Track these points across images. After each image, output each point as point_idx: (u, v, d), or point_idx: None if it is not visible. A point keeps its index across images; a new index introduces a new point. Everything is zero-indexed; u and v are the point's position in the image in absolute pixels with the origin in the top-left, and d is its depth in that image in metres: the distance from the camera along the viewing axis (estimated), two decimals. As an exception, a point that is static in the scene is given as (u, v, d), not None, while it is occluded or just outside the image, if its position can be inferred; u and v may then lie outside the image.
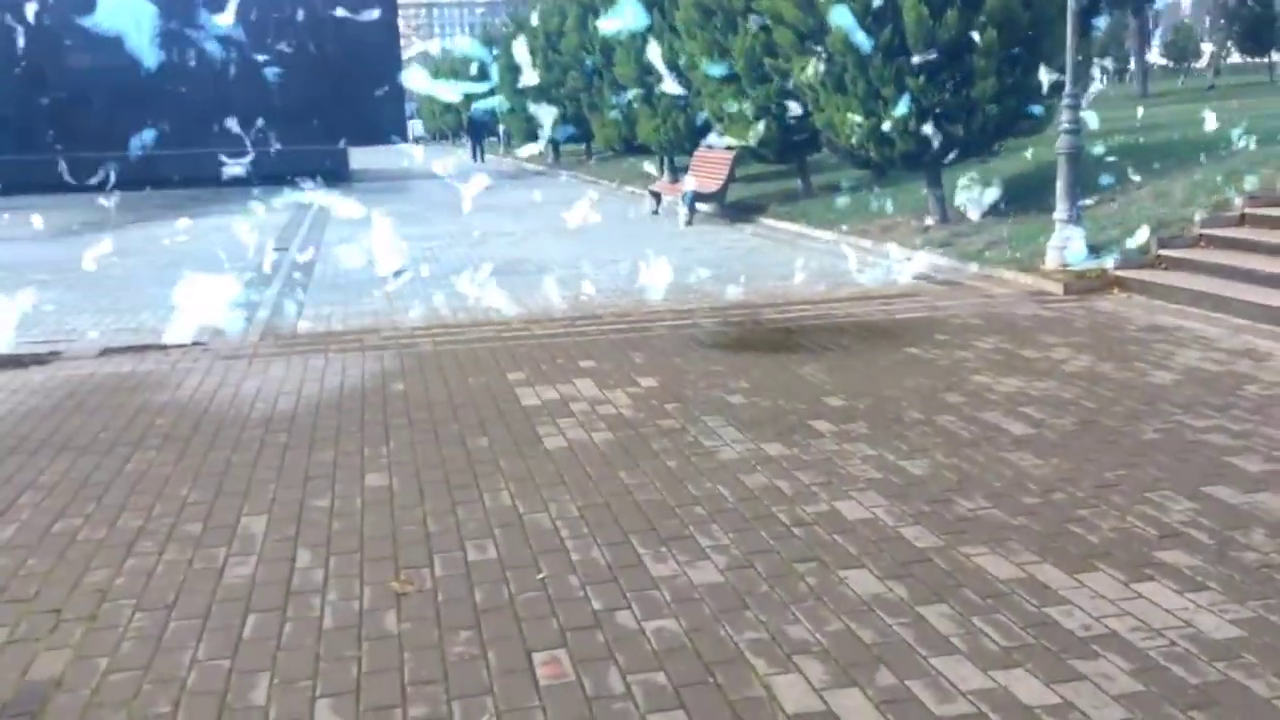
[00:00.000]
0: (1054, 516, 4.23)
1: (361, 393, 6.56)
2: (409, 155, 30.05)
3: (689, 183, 16.73)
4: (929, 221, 11.95)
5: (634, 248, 13.10)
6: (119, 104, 28.59)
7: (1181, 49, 45.47)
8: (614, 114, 23.36)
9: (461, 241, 14.28)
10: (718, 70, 14.84)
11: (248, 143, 28.38)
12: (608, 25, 15.70)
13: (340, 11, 29.74)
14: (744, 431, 5.47)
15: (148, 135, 27.62)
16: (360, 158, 33.07)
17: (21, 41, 28.29)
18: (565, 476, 4.88)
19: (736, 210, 16.59)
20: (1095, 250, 9.50)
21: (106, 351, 7.97)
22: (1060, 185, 9.52)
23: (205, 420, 6.05)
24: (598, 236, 14.37)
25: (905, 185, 14.11)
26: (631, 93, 20.50)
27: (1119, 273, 9.13)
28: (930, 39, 10.68)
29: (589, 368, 7.00)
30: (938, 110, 10.96)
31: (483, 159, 40.55)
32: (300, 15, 30.16)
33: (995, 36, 10.61)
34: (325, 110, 29.54)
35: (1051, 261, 9.54)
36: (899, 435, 5.32)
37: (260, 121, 29.66)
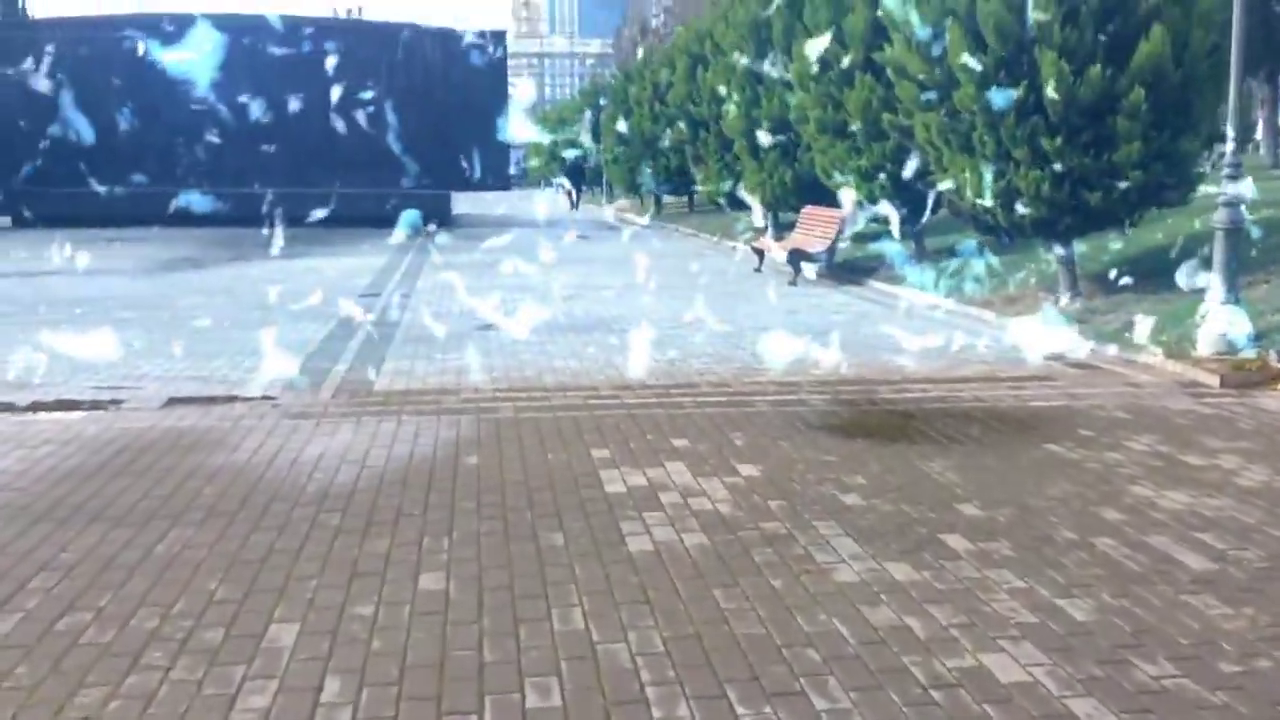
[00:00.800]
0: (1263, 693, 3.34)
1: (431, 465, 5.91)
2: (508, 201, 29.89)
3: (794, 240, 15.98)
4: (1064, 299, 10.99)
5: (734, 308, 12.37)
6: (236, 141, 29.01)
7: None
8: (717, 166, 22.77)
9: (554, 296, 13.71)
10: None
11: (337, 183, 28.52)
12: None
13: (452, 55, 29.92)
14: (863, 544, 4.66)
15: (262, 173, 27.98)
16: (462, 203, 33.02)
17: (132, 75, 28.95)
18: (650, 592, 4.13)
19: (844, 271, 15.77)
20: (1255, 338, 8.49)
21: (171, 401, 7.49)
22: (1217, 262, 8.55)
23: (256, 491, 5.45)
24: (696, 294, 13.66)
25: (1029, 253, 13.15)
26: (737, 145, 19.90)
27: (1284, 364, 8.10)
28: (1070, 97, 9.81)
29: (683, 448, 6.25)
30: (1075, 175, 10.05)
31: (578, 206, 40.91)
32: (412, 60, 30.33)
33: (1143, 96, 9.70)
34: (431, 154, 29.55)
35: (1204, 348, 8.54)
36: (1052, 562, 4.45)
37: (368, 164, 29.89)
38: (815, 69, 15.21)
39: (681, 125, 24.97)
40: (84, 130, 27.70)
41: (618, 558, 4.52)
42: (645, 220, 32.94)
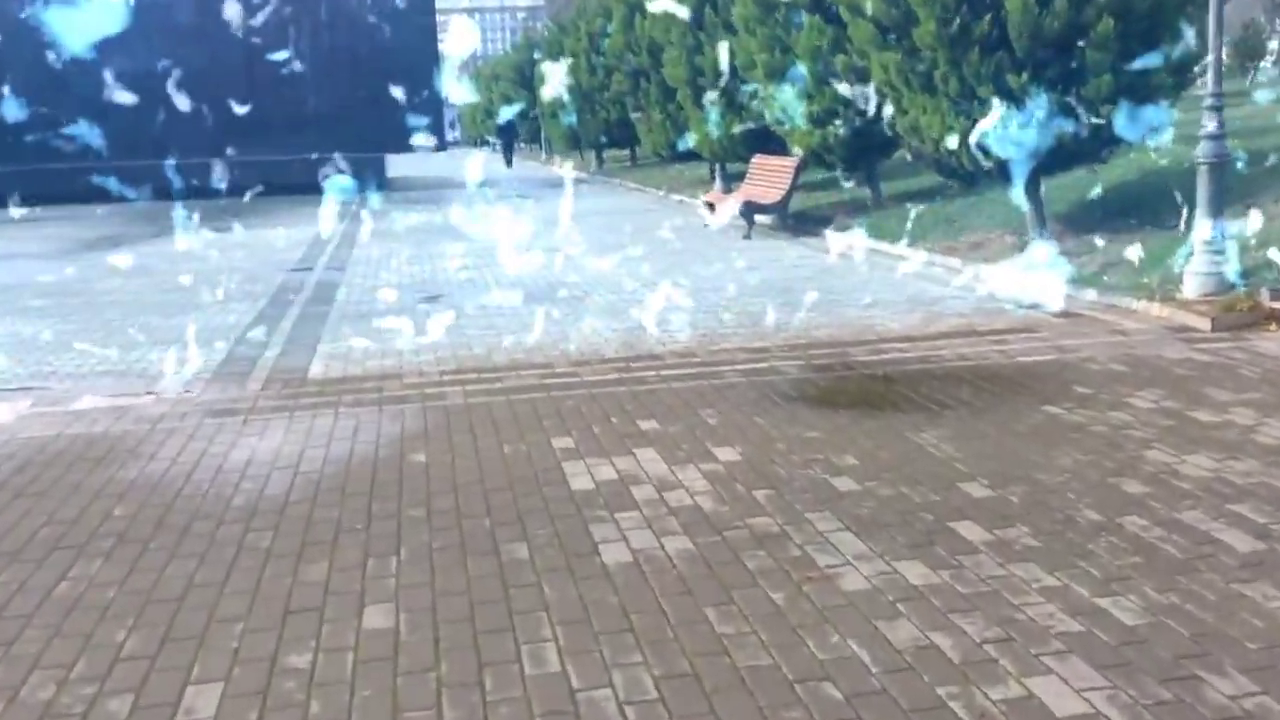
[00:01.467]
0: (1358, 709, 2.87)
1: (373, 467, 5.28)
2: (442, 162, 28.97)
3: (746, 192, 15.40)
4: (1033, 243, 10.53)
5: (689, 267, 11.79)
6: (154, 111, 27.73)
7: (1251, 47, 43.40)
8: (660, 118, 22.06)
9: (496, 259, 13.03)
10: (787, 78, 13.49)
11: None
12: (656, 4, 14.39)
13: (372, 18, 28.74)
14: (866, 539, 4.13)
15: (177, 142, 26.77)
16: (396, 165, 31.98)
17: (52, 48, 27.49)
18: (633, 617, 3.57)
19: (799, 223, 15.24)
20: (1243, 276, 8.08)
21: (78, 405, 6.77)
22: (1202, 198, 8.11)
23: (175, 510, 4.80)
24: (647, 253, 13.06)
25: (991, 195, 12.67)
26: (679, 95, 19.20)
27: (1275, 304, 7.69)
28: (1036, 30, 9.28)
29: (652, 431, 5.69)
30: (1043, 112, 9.54)
31: (511, 164, 40.36)
32: (336, 16, 29.13)
33: (1112, 26, 9.19)
34: (361, 116, 28.49)
35: (1191, 289, 8.12)
36: (1081, 551, 3.95)
37: (294, 127, 28.78)
38: (758, 11, 14.55)
39: (621, 76, 24.18)
40: (-6, 106, 26.32)
41: (591, 572, 3.95)
42: (585, 175, 32.17)
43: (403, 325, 8.86)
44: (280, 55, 28.12)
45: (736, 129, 17.51)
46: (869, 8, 10.30)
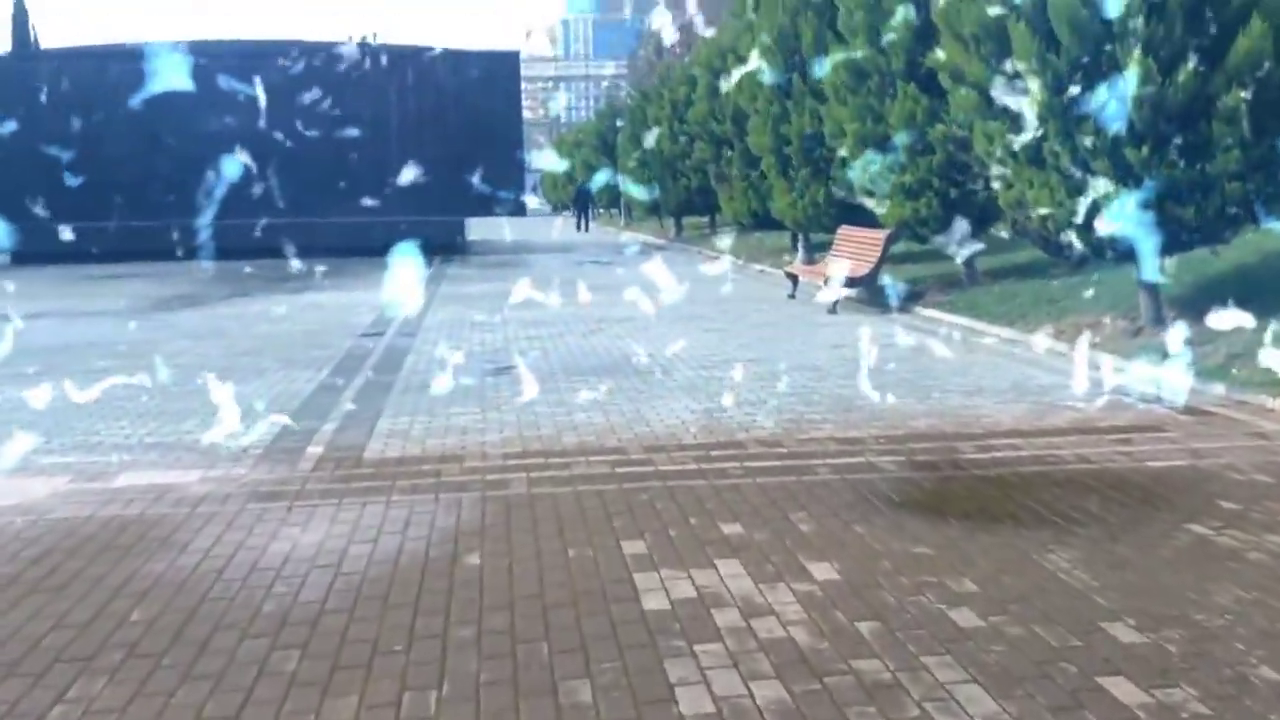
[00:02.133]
0: None
1: (422, 569, 4.71)
2: (523, 226, 28.85)
3: (835, 265, 14.77)
4: (1147, 330, 9.74)
5: (772, 343, 11.17)
6: (245, 173, 28.07)
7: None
8: (742, 185, 21.61)
9: (574, 329, 12.54)
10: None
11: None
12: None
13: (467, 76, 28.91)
14: (999, 697, 3.43)
15: (265, 204, 27.02)
16: (478, 229, 31.97)
17: (138, 104, 28.08)
18: (717, 795, 2.91)
19: (887, 297, 14.52)
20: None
21: (117, 483, 6.33)
22: (1352, 288, 7.28)
23: (197, 616, 4.26)
24: (728, 326, 12.49)
25: (1097, 275, 11.88)
26: (767, 163, 18.71)
27: None
28: (1158, 102, 8.59)
29: (735, 537, 5.04)
30: (1164, 190, 8.82)
31: (587, 229, 40.76)
32: (424, 83, 29.35)
33: (1241, 97, 8.46)
34: (444, 180, 28.54)
35: (1340, 387, 7.28)
36: (1271, 729, 3.21)
37: (378, 191, 28.89)
38: (849, 78, 14.04)
39: (703, 143, 23.83)
40: (89, 164, 26.89)
41: (666, 725, 3.30)
42: (664, 241, 31.83)
43: (468, 399, 8.36)
44: (375, 119, 28.34)
45: (821, 198, 16.96)
46: (971, 73, 9.69)
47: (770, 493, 5.76)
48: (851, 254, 14.66)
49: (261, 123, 28.21)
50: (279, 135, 28.04)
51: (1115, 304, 11.12)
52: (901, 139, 13.25)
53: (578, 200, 44.73)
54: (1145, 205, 8.84)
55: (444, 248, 28.01)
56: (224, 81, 28.74)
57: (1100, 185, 8.97)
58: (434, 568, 4.74)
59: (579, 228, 42.23)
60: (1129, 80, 8.55)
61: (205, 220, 27.73)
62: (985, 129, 9.84)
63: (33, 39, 43.56)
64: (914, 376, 8.97)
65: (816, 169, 16.96)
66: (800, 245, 19.61)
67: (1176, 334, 9.43)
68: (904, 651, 3.78)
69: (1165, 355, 8.93)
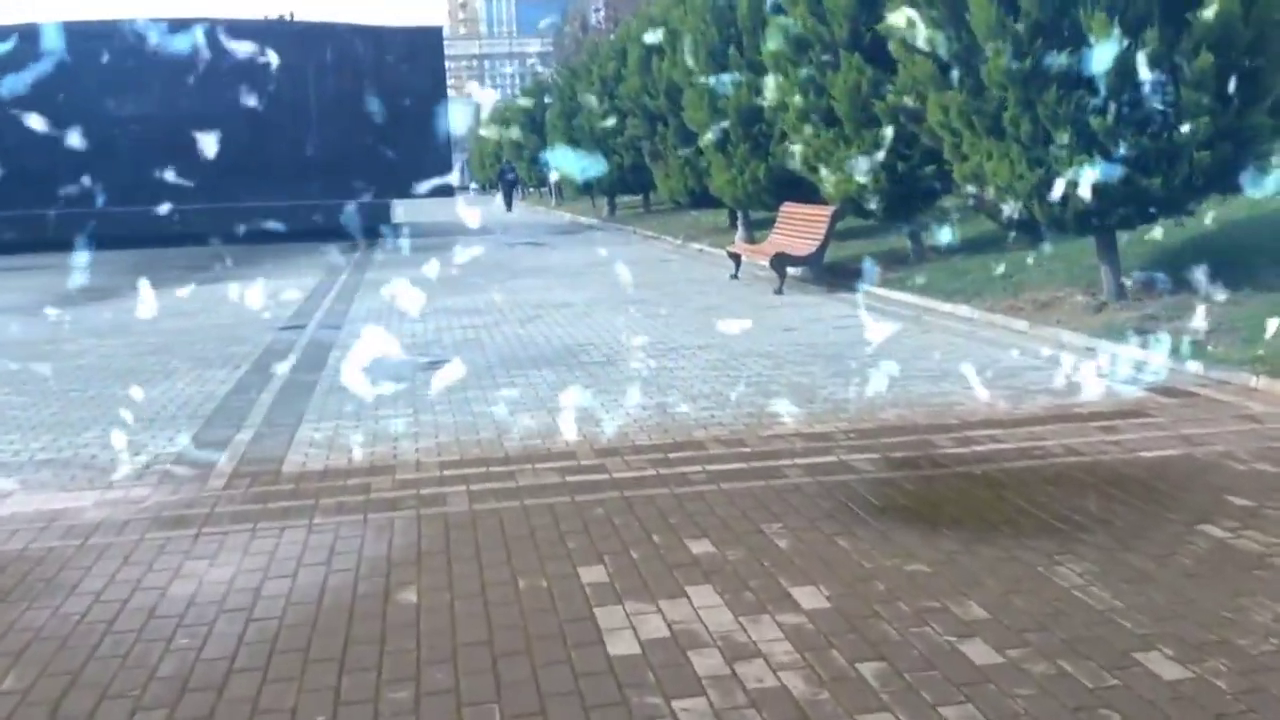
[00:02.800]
0: None
1: (349, 613, 4.07)
2: (450, 207, 27.96)
3: (775, 243, 14.27)
4: (1108, 303, 9.36)
5: (720, 327, 10.61)
6: (143, 154, 26.79)
7: None
8: (678, 163, 21.02)
9: (510, 318, 11.87)
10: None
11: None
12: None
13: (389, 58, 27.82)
14: (1040, 760, 2.90)
15: (173, 188, 25.81)
16: (404, 210, 30.97)
17: (30, 85, 26.66)
18: None
19: (833, 275, 14.06)
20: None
21: (2, 510, 5.58)
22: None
23: (81, 681, 3.58)
24: (673, 310, 11.91)
25: (1049, 249, 11.50)
26: (705, 139, 18.12)
27: None
28: (1123, 66, 8.15)
29: (706, 558, 4.47)
30: (1130, 159, 8.40)
31: (511, 209, 40.41)
32: (343, 62, 28.24)
33: (1211, 61, 8.06)
34: (368, 162, 27.55)
35: (1326, 365, 6.92)
36: (1369, 794, 2.73)
37: (298, 174, 27.78)
38: (790, 49, 13.50)
39: (636, 119, 23.18)
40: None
41: (650, 814, 2.72)
42: (597, 221, 31.19)
43: (399, 400, 7.69)
44: (293, 100, 27.23)
45: (762, 174, 16.43)
46: (926, 42, 9.19)
47: (739, 501, 5.20)
48: (795, 232, 14.16)
49: (173, 104, 26.99)
50: (192, 116, 26.88)
51: (1073, 278, 10.76)
52: (844, 111, 12.76)
53: (503, 179, 44.52)
54: (1110, 175, 8.42)
55: (369, 231, 27.07)
56: (131, 61, 27.49)
57: (1063, 155, 8.52)
58: (363, 608, 4.10)
59: (508, 206, 41.82)
60: (1094, 45, 8.09)
61: (111, 207, 26.53)
62: (940, 99, 9.34)
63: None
64: (874, 361, 8.47)
65: (755, 144, 16.42)
66: (740, 223, 19.09)
67: (1142, 309, 9.08)
68: (917, 701, 3.24)
69: (1133, 332, 8.56)
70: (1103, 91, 8.27)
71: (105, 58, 27.14)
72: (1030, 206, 9.03)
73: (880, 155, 12.40)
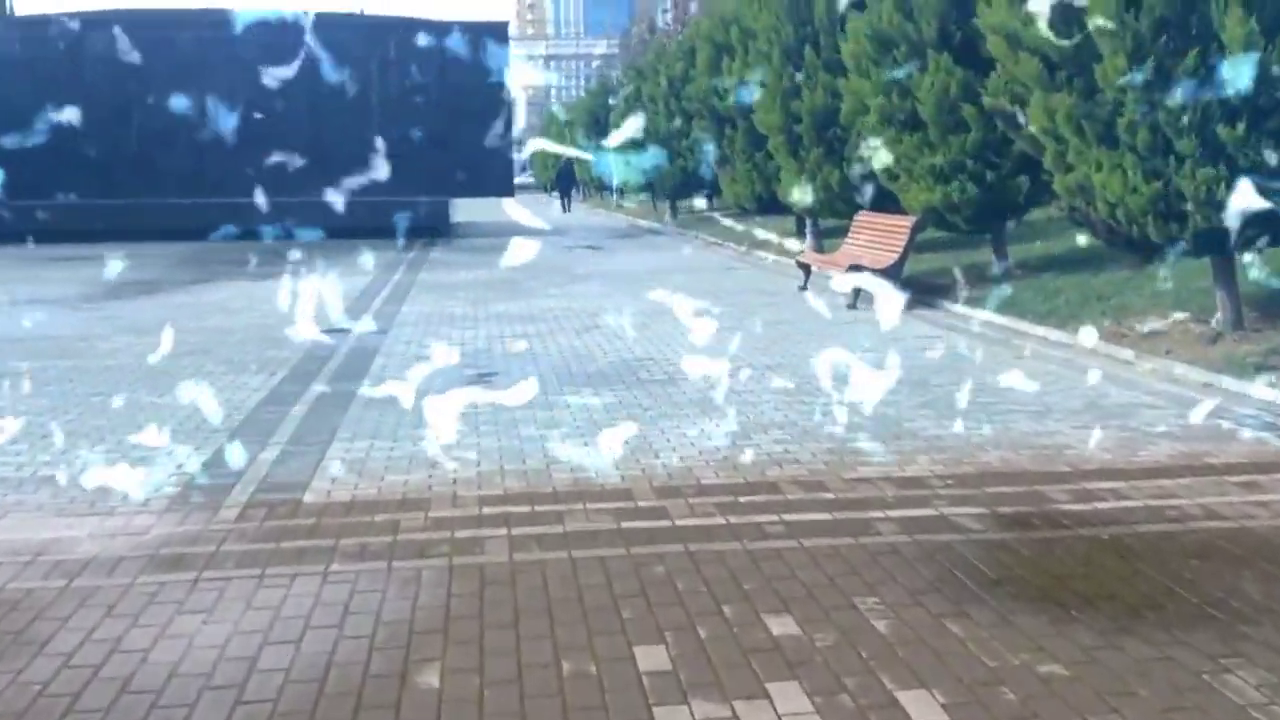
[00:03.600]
0: None
1: (357, 699, 3.37)
2: (512, 207, 27.41)
3: (849, 254, 13.43)
4: (1225, 332, 8.44)
5: (791, 344, 9.84)
6: (210, 148, 26.56)
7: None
8: (746, 167, 20.23)
9: (565, 327, 11.17)
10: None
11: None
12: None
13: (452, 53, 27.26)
14: None
15: (232, 182, 25.54)
16: (464, 210, 30.47)
17: (104, 79, 26.55)
18: None
19: (911, 290, 13.17)
20: None
21: (-7, 531, 4.97)
22: None
23: (20, 783, 2.92)
24: (737, 323, 11.13)
25: (1150, 270, 10.55)
26: (771, 143, 17.32)
27: None
28: (1262, 71, 7.25)
29: (789, 642, 3.71)
30: (1260, 173, 7.49)
31: (569, 210, 40.77)
32: (406, 57, 27.80)
33: (1361, 65, 7.13)
34: (429, 161, 27.06)
35: None
36: None
37: (359, 170, 27.35)
38: (872, 49, 12.66)
39: (703, 121, 22.42)
40: (54, 136, 25.45)
41: None
42: (659, 225, 30.47)
43: (442, 418, 7.00)
44: (355, 94, 26.86)
45: (835, 181, 15.59)
46: (1032, 38, 8.32)
47: (825, 564, 4.43)
48: (871, 243, 13.31)
49: (239, 99, 26.73)
50: (252, 110, 26.60)
51: (1180, 303, 9.81)
52: (931, 115, 11.91)
53: (560, 179, 44.08)
54: (1240, 191, 7.50)
55: (428, 230, 26.58)
56: (196, 52, 27.30)
57: (1186, 168, 7.62)
58: (375, 694, 3.40)
59: (563, 207, 41.42)
60: (1229, 41, 7.20)
61: (179, 200, 26.32)
62: (1046, 101, 8.47)
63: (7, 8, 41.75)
64: (964, 390, 7.64)
65: (829, 149, 15.59)
66: (809, 232, 18.25)
67: (1265, 341, 8.15)
68: None
69: (1259, 368, 7.64)
70: (1233, 98, 7.36)
71: (166, 48, 26.99)
72: (1143, 223, 8.13)
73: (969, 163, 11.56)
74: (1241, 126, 7.39)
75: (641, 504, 5.25)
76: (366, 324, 11.21)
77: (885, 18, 12.30)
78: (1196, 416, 6.72)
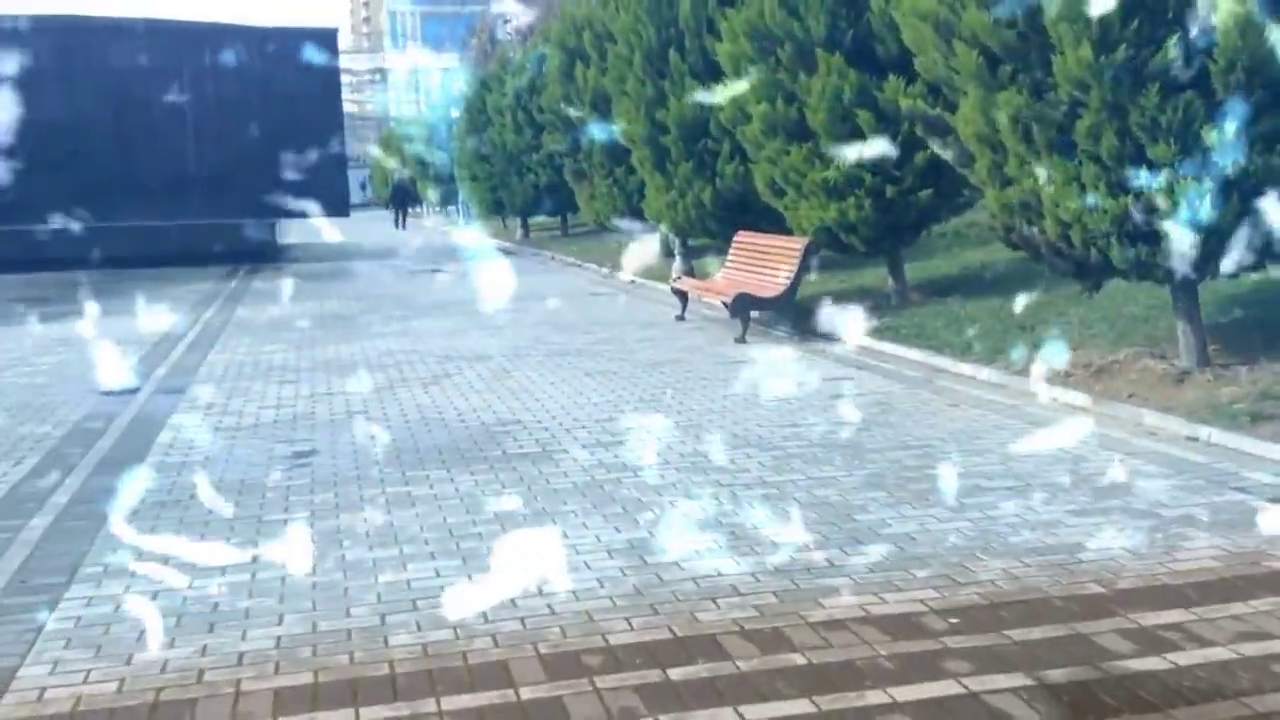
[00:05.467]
0: None
1: None
2: (346, 226, 25.27)
3: (732, 279, 11.93)
4: (1192, 371, 7.19)
5: (683, 393, 8.22)
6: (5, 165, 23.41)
7: None
8: (605, 183, 18.63)
9: (408, 376, 9.29)
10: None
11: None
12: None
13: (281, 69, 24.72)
14: None
15: (28, 206, 22.52)
16: (299, 230, 27.98)
17: None
18: None
19: (803, 319, 11.75)
20: None
21: None
22: None
23: None
24: (615, 365, 9.48)
25: (1065, 291, 9.34)
26: (635, 155, 15.74)
27: None
28: (1255, 61, 5.98)
29: None
30: (1251, 184, 6.24)
31: (404, 227, 39.32)
32: (223, 65, 25.20)
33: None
34: (253, 177, 24.57)
35: None
36: None
37: (173, 190, 24.57)
38: (753, 49, 11.20)
39: (555, 133, 20.74)
40: None
41: None
42: (510, 244, 28.65)
43: (235, 532, 5.11)
44: (166, 106, 24.11)
45: (708, 198, 14.12)
46: (970, 25, 6.90)
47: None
48: (754, 267, 11.83)
49: (30, 111, 23.68)
50: (51, 125, 23.64)
51: (1123, 334, 8.60)
52: (821, 126, 10.51)
53: (395, 196, 42.70)
54: (1224, 206, 6.23)
55: (254, 255, 24.09)
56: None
57: (1160, 179, 6.31)
58: None
59: (397, 224, 39.57)
60: (1221, 27, 5.90)
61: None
62: (984, 102, 7.07)
63: None
64: (917, 459, 6.15)
65: (700, 163, 14.11)
66: (678, 252, 16.73)
67: (1241, 380, 6.92)
68: None
69: (1252, 416, 6.37)
70: (1220, 94, 6.08)
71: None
72: (1103, 245, 6.80)
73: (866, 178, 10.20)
74: (1231, 128, 6.11)
75: (527, 694, 3.49)
76: (156, 381, 9.11)
77: (767, 13, 10.84)
78: (1212, 490, 5.36)
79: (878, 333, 10.34)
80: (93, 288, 18.41)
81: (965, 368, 8.77)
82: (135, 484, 5.97)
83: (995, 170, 7.40)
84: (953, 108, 7.79)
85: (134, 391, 8.93)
